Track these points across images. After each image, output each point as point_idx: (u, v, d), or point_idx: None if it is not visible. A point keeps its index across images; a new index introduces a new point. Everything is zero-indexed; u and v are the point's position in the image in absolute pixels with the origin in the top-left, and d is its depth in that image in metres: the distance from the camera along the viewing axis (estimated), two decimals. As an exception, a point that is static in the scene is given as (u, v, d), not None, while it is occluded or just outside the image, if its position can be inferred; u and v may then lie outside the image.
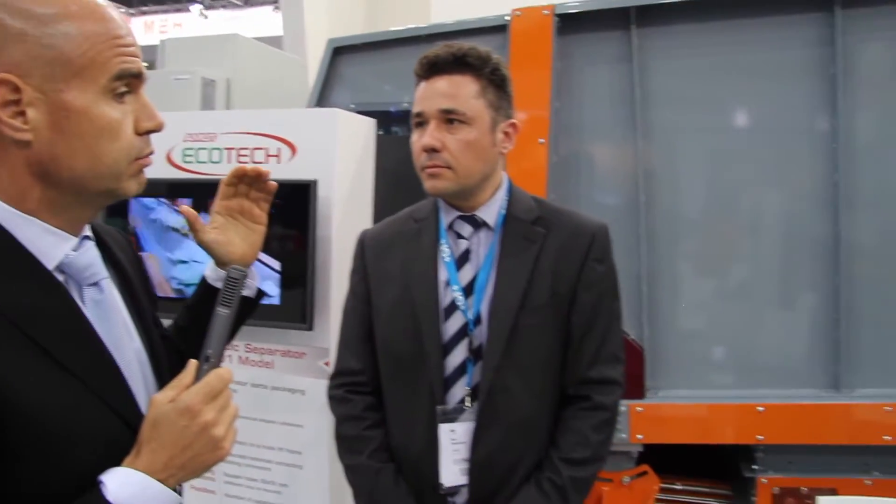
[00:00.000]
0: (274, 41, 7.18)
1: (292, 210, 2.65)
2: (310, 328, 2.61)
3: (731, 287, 3.39)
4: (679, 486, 3.87)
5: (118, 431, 1.05)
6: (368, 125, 3.12)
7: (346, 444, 1.79)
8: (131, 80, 1.05)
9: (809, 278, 3.27)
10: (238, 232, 1.47)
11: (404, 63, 3.61)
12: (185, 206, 1.57)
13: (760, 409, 3.20)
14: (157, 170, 2.88)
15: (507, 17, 3.33)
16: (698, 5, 3.22)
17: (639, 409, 3.25)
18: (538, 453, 1.69)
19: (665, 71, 3.29)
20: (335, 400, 1.81)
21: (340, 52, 3.65)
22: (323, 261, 2.73)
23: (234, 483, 2.77)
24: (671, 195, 3.34)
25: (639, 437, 3.27)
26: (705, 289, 3.39)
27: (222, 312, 1.11)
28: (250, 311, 1.50)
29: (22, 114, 0.97)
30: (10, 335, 0.96)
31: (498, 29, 3.37)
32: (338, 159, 2.81)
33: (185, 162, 2.92)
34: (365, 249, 1.87)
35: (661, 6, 3.22)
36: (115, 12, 1.05)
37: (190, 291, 1.55)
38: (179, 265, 2.78)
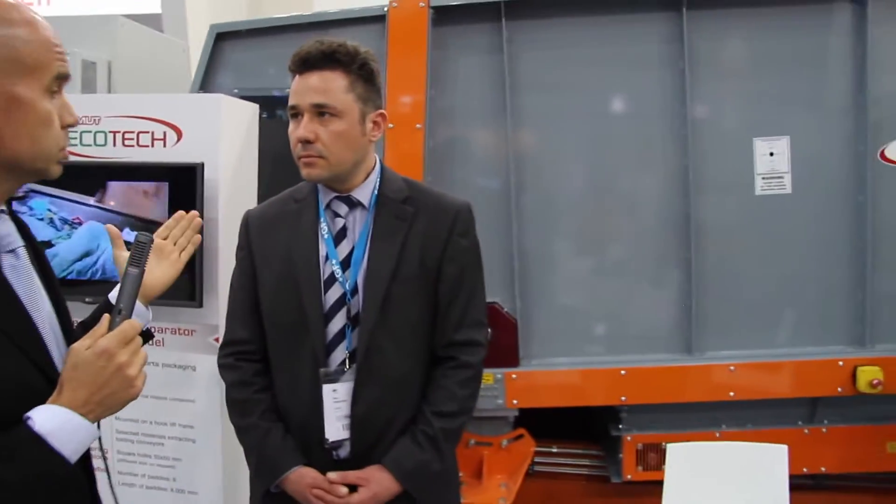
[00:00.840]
0: (153, 19, 7.04)
1: (179, 192, 2.72)
2: (200, 305, 2.69)
3: (595, 262, 3.68)
4: (555, 449, 4.19)
5: (35, 380, 1.18)
6: (252, 110, 3.21)
7: (237, 407, 1.91)
8: (62, 81, 1.22)
9: (665, 254, 3.60)
10: (157, 264, 1.65)
11: (286, 49, 3.68)
12: (111, 225, 1.79)
13: (623, 373, 3.52)
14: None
15: (386, 8, 3.48)
16: (563, 2, 3.49)
17: (514, 376, 3.51)
18: (412, 409, 1.86)
19: (533, 61, 3.54)
20: (225, 367, 1.93)
21: (223, 38, 3.71)
22: (210, 241, 2.81)
23: (126, 461, 2.83)
24: (539, 177, 3.59)
25: (514, 402, 3.54)
26: (573, 264, 3.67)
27: (132, 272, 1.26)
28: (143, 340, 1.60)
29: None
30: None
31: (377, 19, 3.53)
32: (223, 143, 2.89)
33: (70, 145, 2.93)
34: (249, 228, 1.99)
35: (528, 2, 3.46)
36: (49, 24, 1.21)
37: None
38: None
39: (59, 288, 1.32)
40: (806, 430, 3.58)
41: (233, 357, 1.92)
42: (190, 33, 6.74)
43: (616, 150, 3.61)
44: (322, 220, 1.88)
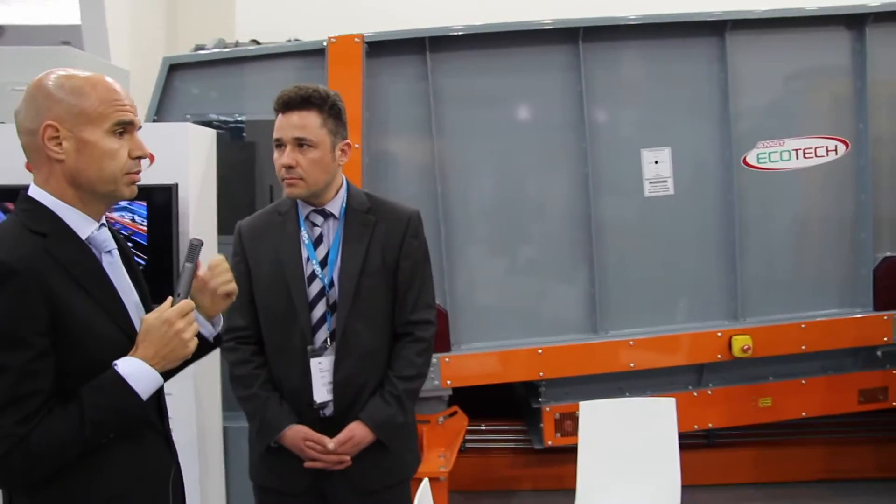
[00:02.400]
0: (73, 30, 7.13)
1: (157, 210, 3.16)
2: (178, 308, 3.13)
3: (512, 257, 4.27)
4: (484, 427, 4.75)
5: (123, 342, 1.63)
6: (211, 135, 3.67)
7: (240, 381, 2.37)
8: (126, 125, 1.65)
9: (572, 250, 4.19)
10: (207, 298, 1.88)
11: (235, 80, 4.19)
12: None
13: (540, 352, 4.09)
14: (22, 177, 3.25)
15: (325, 43, 3.96)
16: (479, 37, 4.05)
17: (447, 360, 4.03)
18: (380, 375, 2.36)
19: (454, 87, 4.09)
20: (227, 350, 2.38)
21: (175, 69, 4.10)
22: (184, 250, 3.25)
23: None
24: (461, 187, 4.14)
25: (448, 383, 4.06)
26: (494, 260, 4.24)
27: (188, 266, 1.73)
28: (209, 349, 1.93)
29: (59, 144, 1.59)
30: (66, 277, 1.56)
31: (317, 52, 4.00)
32: (190, 165, 3.34)
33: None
34: (242, 236, 2.45)
35: (448, 37, 4.01)
36: (116, 83, 1.67)
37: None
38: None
39: (142, 280, 1.80)
40: (695, 393, 4.23)
41: (233, 341, 2.38)
42: (112, 51, 6.90)
43: (526, 162, 4.19)
44: (302, 228, 2.37)
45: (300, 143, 2.26)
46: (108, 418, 1.57)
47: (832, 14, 4.17)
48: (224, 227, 3.72)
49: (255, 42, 5.03)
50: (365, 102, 3.95)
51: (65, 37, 7.29)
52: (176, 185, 3.19)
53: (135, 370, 1.59)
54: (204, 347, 1.88)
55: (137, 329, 1.68)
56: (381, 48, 4.00)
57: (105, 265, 1.67)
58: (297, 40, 4.91)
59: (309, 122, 2.27)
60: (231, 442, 3.77)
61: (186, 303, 1.69)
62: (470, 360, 4.10)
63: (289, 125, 2.27)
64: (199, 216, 3.41)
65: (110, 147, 1.63)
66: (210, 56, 4.19)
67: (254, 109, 4.17)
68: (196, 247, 1.77)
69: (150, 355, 1.61)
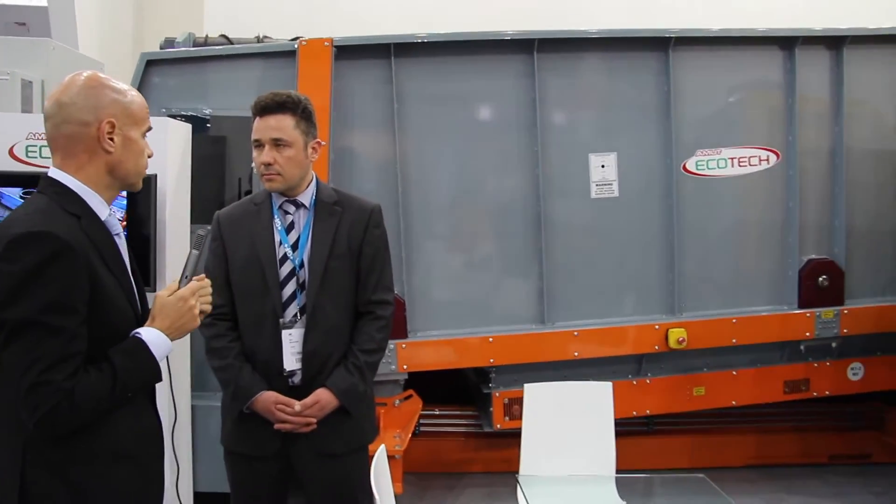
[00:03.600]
0: (33, 12, 7.12)
1: (137, 200, 3.36)
2: (154, 290, 3.34)
3: (467, 251, 4.54)
4: (437, 412, 5.00)
5: (130, 312, 1.89)
6: (187, 129, 3.88)
7: (216, 352, 2.61)
8: (149, 129, 1.96)
9: (522, 246, 4.48)
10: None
11: (209, 76, 4.39)
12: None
13: (491, 340, 4.38)
14: (1, 163, 3.42)
15: (296, 45, 4.20)
16: (441, 44, 4.33)
17: (403, 346, 4.29)
18: (344, 347, 2.62)
19: (416, 91, 4.35)
20: (205, 325, 2.59)
21: (152, 65, 4.30)
22: (161, 238, 3.47)
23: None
24: (421, 185, 4.39)
25: (404, 367, 4.31)
26: (449, 252, 4.51)
27: (194, 252, 1.98)
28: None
29: (112, 138, 1.84)
30: (97, 255, 1.80)
31: (288, 53, 4.24)
32: (168, 158, 3.55)
33: (29, 157, 3.50)
34: (221, 224, 2.69)
35: (413, 44, 4.28)
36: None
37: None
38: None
39: (133, 261, 2.03)
40: (634, 382, 4.55)
41: (210, 317, 2.60)
42: (80, 39, 6.94)
43: (482, 163, 4.48)
44: (276, 216, 2.62)
45: (277, 143, 2.54)
46: (133, 378, 1.82)
47: (766, 35, 4.54)
48: (195, 217, 3.96)
49: (225, 37, 5.18)
50: (332, 102, 4.19)
51: (21, 17, 7.25)
52: (155, 176, 3.40)
53: (154, 338, 1.86)
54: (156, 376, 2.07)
55: (138, 304, 1.94)
56: (349, 52, 4.25)
57: (118, 246, 1.93)
58: (266, 37, 5.13)
59: (284, 124, 2.55)
60: (198, 420, 3.98)
61: (196, 283, 1.97)
62: (425, 346, 4.36)
63: (266, 127, 2.55)
64: (174, 206, 3.63)
65: (143, 146, 1.94)
66: (186, 53, 4.40)
67: (226, 105, 4.36)
68: (202, 236, 2.05)
69: (166, 326, 1.89)
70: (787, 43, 4.53)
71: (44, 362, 1.68)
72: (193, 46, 4.87)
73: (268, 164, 2.53)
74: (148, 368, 1.85)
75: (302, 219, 2.64)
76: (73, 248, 1.72)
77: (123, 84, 1.93)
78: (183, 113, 4.12)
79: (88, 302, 1.75)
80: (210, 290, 2.05)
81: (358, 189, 4.30)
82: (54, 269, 1.70)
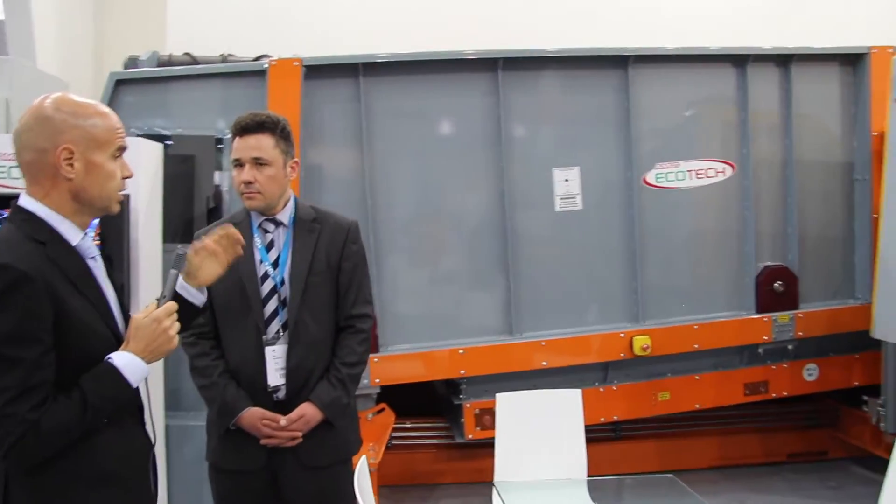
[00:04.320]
0: None
1: (110, 219, 3.37)
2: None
3: (436, 265, 4.64)
4: (409, 424, 5.07)
5: (107, 335, 1.86)
6: (159, 149, 3.92)
7: (200, 371, 2.64)
8: (122, 150, 1.91)
9: (490, 259, 4.59)
10: (211, 263, 2.21)
11: (178, 95, 4.42)
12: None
13: (461, 352, 4.47)
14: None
15: (266, 65, 4.26)
16: (409, 63, 4.43)
17: (375, 360, 4.35)
18: (327, 361, 2.67)
19: (384, 109, 4.44)
20: (188, 344, 2.65)
21: (121, 84, 4.31)
22: (134, 256, 3.50)
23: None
24: (390, 201, 4.48)
25: (377, 381, 4.37)
26: (419, 266, 4.60)
27: (173, 272, 2.01)
28: (197, 314, 2.24)
29: (72, 164, 1.81)
30: (64, 280, 1.78)
31: (258, 73, 4.29)
32: (140, 178, 3.58)
33: (1, 178, 3.50)
34: None
35: (381, 64, 4.38)
36: (113, 113, 1.92)
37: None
38: None
39: (118, 281, 2.05)
40: (601, 389, 4.67)
41: (193, 336, 2.65)
42: (38, 55, 6.81)
43: (449, 179, 4.58)
44: (256, 235, 2.68)
45: (257, 162, 2.59)
46: (105, 404, 1.79)
47: (719, 54, 4.74)
48: (166, 236, 3.98)
49: (189, 55, 5.20)
50: (302, 120, 4.26)
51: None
52: (128, 196, 3.42)
53: (127, 362, 1.82)
54: (194, 314, 2.19)
55: (120, 325, 1.92)
56: (317, 71, 4.32)
57: (92, 269, 1.89)
58: (230, 55, 5.17)
59: (264, 144, 2.60)
60: (171, 440, 3.99)
61: (172, 304, 1.93)
62: (398, 360, 4.44)
63: (247, 146, 2.60)
64: (146, 225, 3.66)
65: (112, 169, 1.88)
66: (156, 73, 4.43)
67: (194, 124, 4.39)
68: (181, 256, 2.06)
69: (140, 349, 1.85)
70: (739, 61, 4.73)
71: (5, 395, 1.67)
72: (158, 65, 4.90)
73: (248, 183, 2.58)
74: (121, 394, 1.82)
75: (281, 237, 2.70)
76: (31, 277, 1.71)
77: (93, 106, 1.88)
78: (139, 133, 4.12)
79: (54, 329, 1.73)
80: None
81: (327, 205, 4.36)
82: (10, 299, 1.69)
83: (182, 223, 4.34)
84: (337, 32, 7.03)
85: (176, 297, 2.11)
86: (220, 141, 4.28)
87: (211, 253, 2.20)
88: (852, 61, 4.90)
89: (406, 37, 6.10)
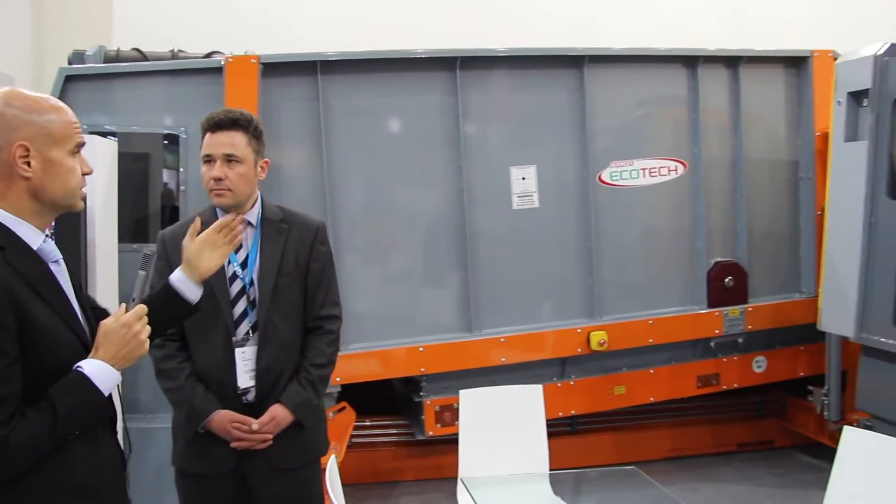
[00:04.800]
0: None
1: (66, 217, 3.30)
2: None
3: (396, 263, 4.65)
4: (368, 423, 5.07)
5: (75, 343, 1.77)
6: (113, 146, 3.84)
7: (167, 374, 2.60)
8: (81, 146, 1.83)
9: (448, 257, 4.62)
10: (211, 253, 2.23)
11: (129, 92, 4.33)
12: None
13: (422, 349, 4.49)
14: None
15: (222, 63, 4.20)
16: (365, 62, 4.41)
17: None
18: (296, 363, 2.66)
19: (343, 107, 4.43)
20: (154, 347, 2.55)
21: (71, 80, 4.20)
22: (91, 254, 3.43)
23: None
24: (349, 200, 4.48)
25: (338, 380, 4.36)
26: (378, 265, 4.61)
27: (141, 274, 1.97)
28: (189, 312, 2.21)
29: (28, 163, 1.72)
30: (25, 286, 1.69)
31: (215, 70, 4.23)
32: (96, 175, 3.49)
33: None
34: (166, 244, 2.67)
35: (338, 62, 4.36)
36: (68, 108, 1.83)
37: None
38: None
39: (80, 285, 1.97)
40: (559, 384, 4.75)
41: (159, 339, 2.60)
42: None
43: (409, 177, 4.60)
44: None
45: (229, 159, 2.55)
46: (76, 415, 1.71)
47: (671, 55, 4.85)
48: (121, 235, 3.91)
49: (138, 51, 5.07)
50: (259, 118, 4.18)
51: None
52: (85, 195, 3.34)
53: (98, 370, 1.75)
54: (191, 310, 2.16)
55: (86, 331, 1.84)
56: (276, 68, 4.29)
57: (55, 274, 1.81)
58: (180, 51, 5.08)
59: (237, 141, 2.57)
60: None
61: (142, 307, 1.86)
62: (359, 358, 4.43)
63: (219, 143, 2.56)
64: (102, 224, 3.58)
65: (72, 166, 1.80)
66: (108, 69, 4.33)
67: (149, 121, 4.32)
68: (149, 256, 2.02)
69: (110, 356, 1.78)
70: (690, 62, 4.85)
71: None
72: (105, 60, 4.77)
73: (218, 180, 2.54)
74: (93, 403, 1.74)
75: (250, 237, 2.67)
76: None
77: (46, 100, 1.79)
78: (89, 131, 4.02)
79: (18, 339, 1.65)
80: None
81: (286, 204, 4.33)
82: None
83: (136, 222, 4.27)
84: (289, 29, 6.97)
85: (170, 294, 2.07)
86: (171, 138, 4.19)
87: (210, 243, 2.18)
88: (796, 64, 5.08)
89: (362, 35, 6.10)
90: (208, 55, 4.82)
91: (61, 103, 1.84)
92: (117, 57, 4.90)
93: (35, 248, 1.77)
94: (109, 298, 3.52)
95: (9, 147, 1.71)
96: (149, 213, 4.30)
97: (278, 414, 2.58)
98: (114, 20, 7.51)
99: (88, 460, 1.80)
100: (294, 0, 7.57)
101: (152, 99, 4.33)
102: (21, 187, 1.74)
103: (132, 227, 4.20)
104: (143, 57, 4.86)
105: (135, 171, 4.18)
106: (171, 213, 4.30)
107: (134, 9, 7.36)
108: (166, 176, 4.38)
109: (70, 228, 3.35)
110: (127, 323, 1.81)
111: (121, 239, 3.98)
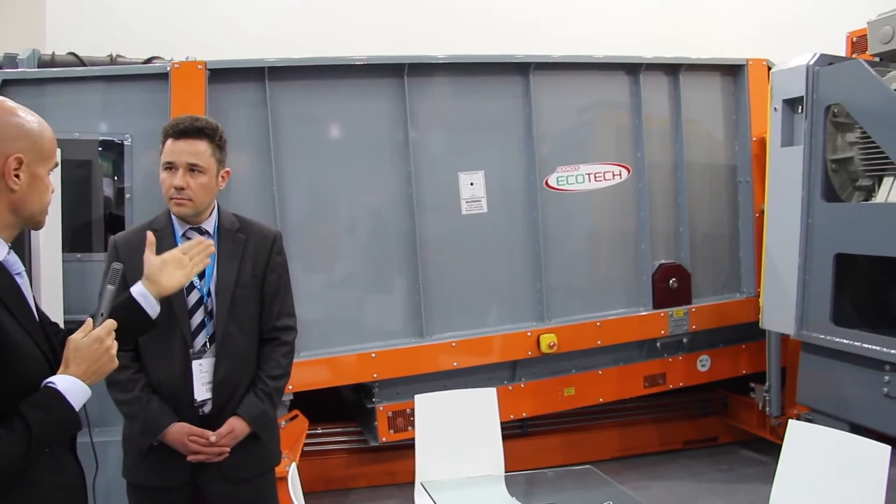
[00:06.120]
0: None
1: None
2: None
3: (346, 270, 4.63)
4: (320, 430, 5.03)
5: (39, 356, 1.75)
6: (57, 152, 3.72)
7: (119, 385, 2.53)
8: (56, 165, 1.85)
9: (399, 260, 4.62)
10: (174, 272, 2.19)
11: (69, 97, 4.21)
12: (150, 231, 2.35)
13: (373, 355, 4.48)
14: None
15: (168, 68, 4.13)
16: (313, 68, 4.39)
17: (289, 367, 4.30)
18: (251, 375, 2.64)
19: (291, 113, 4.40)
20: None
21: (8, 84, 4.07)
22: (36, 261, 3.34)
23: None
24: (296, 205, 4.44)
25: (290, 387, 4.30)
26: (328, 272, 4.59)
27: (109, 288, 1.92)
28: (146, 328, 2.17)
29: (17, 176, 1.71)
30: None
31: (161, 76, 4.16)
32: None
33: None
34: (118, 249, 2.60)
35: (287, 68, 4.34)
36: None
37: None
38: None
39: (35, 297, 1.92)
40: (510, 387, 4.79)
41: (112, 349, 2.56)
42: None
43: (358, 183, 4.58)
44: (179, 243, 2.59)
45: (192, 168, 2.51)
46: (50, 432, 1.70)
47: (615, 62, 4.95)
48: (64, 245, 3.81)
49: (74, 55, 4.96)
50: (207, 125, 4.15)
51: None
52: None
53: (70, 386, 1.73)
54: (148, 326, 2.12)
55: (49, 345, 1.81)
56: (222, 75, 4.23)
57: (20, 286, 1.78)
58: (119, 56, 4.97)
59: (201, 150, 2.52)
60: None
61: (111, 322, 1.84)
62: (310, 365, 4.40)
63: (182, 151, 2.51)
64: (47, 234, 3.49)
65: (49, 184, 1.82)
66: (46, 73, 4.20)
67: (89, 128, 4.21)
68: (117, 270, 1.97)
69: (81, 371, 1.76)
70: (632, 69, 4.97)
71: None
72: (39, 65, 4.63)
73: (180, 189, 2.50)
74: (66, 420, 1.72)
75: None
76: None
77: (34, 114, 1.79)
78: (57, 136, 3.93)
79: None
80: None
81: (236, 211, 4.28)
82: None
83: (79, 231, 4.17)
84: (232, 36, 6.89)
85: (129, 307, 2.05)
86: (110, 145, 4.10)
87: (177, 262, 2.15)
88: (733, 72, 5.24)
89: (307, 40, 6.06)
90: (148, 60, 4.74)
91: (44, 122, 1.83)
92: (52, 61, 4.76)
93: (0, 259, 1.74)
94: (55, 310, 3.43)
95: (4, 158, 1.70)
96: (91, 222, 4.20)
97: (236, 426, 2.56)
98: (46, 23, 7.31)
99: (50, 482, 1.76)
100: (233, 6, 7.50)
101: (93, 105, 4.23)
102: (3, 200, 1.72)
103: (80, 236, 4.10)
104: (80, 62, 4.73)
105: (76, 179, 4.07)
106: (113, 221, 4.20)
107: (66, 13, 7.17)
108: (108, 184, 4.29)
109: (15, 238, 3.25)
110: (99, 338, 1.80)
111: (66, 249, 3.89)
